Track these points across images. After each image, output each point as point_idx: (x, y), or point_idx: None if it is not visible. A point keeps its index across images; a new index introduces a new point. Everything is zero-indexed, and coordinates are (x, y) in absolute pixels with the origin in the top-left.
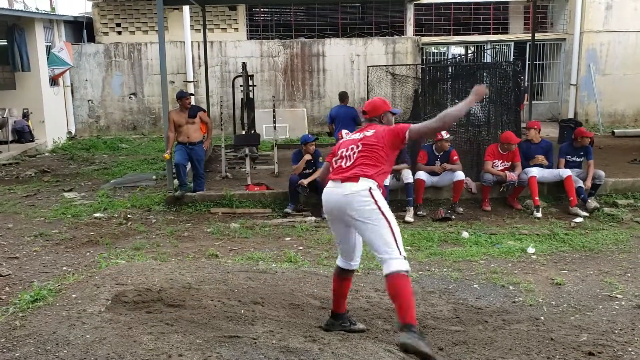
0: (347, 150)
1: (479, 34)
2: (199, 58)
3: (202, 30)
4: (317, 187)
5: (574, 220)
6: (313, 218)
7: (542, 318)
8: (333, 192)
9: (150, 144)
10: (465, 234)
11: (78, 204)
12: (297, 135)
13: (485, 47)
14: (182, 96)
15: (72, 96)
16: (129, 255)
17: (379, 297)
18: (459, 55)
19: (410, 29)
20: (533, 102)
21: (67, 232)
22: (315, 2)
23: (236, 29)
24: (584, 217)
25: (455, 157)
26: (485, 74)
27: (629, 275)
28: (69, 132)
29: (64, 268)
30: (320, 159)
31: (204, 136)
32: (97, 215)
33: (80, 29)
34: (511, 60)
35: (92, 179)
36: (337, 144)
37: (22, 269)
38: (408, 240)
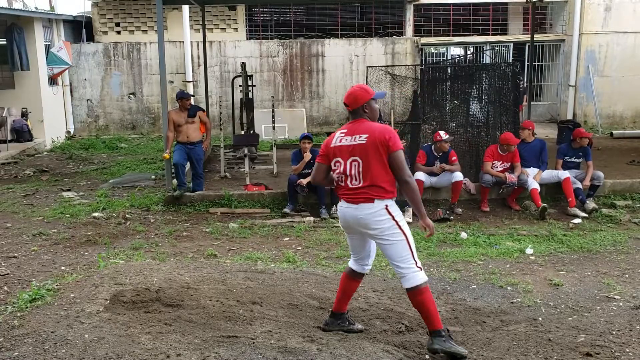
0: (350, 169)
1: (478, 34)
2: (198, 58)
3: (201, 30)
4: (315, 187)
5: (572, 221)
6: (312, 218)
7: (540, 319)
8: (349, 212)
9: (149, 144)
10: (463, 235)
11: (77, 204)
12: (296, 136)
13: (485, 48)
14: (182, 97)
15: (71, 95)
16: (127, 255)
17: (377, 298)
18: (458, 56)
19: (409, 29)
20: (532, 103)
21: (66, 231)
22: (314, 2)
23: (235, 29)
24: (583, 217)
25: (454, 158)
26: (484, 75)
27: (627, 276)
28: (68, 132)
29: (63, 267)
30: None
31: (203, 136)
32: (95, 214)
33: (80, 29)
34: (510, 61)
35: (90, 178)
36: (330, 148)
37: (20, 268)
38: None
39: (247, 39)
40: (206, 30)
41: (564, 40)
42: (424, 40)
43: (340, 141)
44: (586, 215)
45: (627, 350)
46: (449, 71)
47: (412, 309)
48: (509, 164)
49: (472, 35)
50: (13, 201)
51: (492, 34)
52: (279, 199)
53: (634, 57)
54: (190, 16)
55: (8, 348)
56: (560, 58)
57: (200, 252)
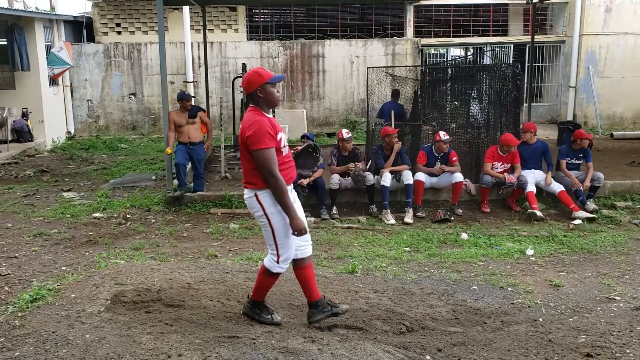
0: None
1: (479, 35)
2: (199, 58)
3: (202, 31)
4: (316, 188)
5: (572, 222)
6: (312, 219)
7: (541, 319)
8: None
9: (149, 144)
10: (464, 236)
11: (77, 204)
12: (297, 136)
13: (485, 48)
14: (183, 98)
15: (72, 96)
16: (128, 255)
17: (378, 299)
18: (459, 56)
19: (410, 30)
20: (532, 104)
21: (66, 231)
22: (315, 3)
23: (236, 30)
24: (591, 212)
25: (455, 159)
26: (484, 76)
27: (627, 277)
28: (68, 132)
29: (63, 268)
30: (321, 160)
31: (204, 136)
32: (96, 215)
33: (80, 29)
34: (510, 62)
35: (91, 178)
36: None
37: (21, 268)
38: (407, 241)
39: (247, 39)
40: (207, 30)
41: (564, 41)
42: (425, 41)
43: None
44: (591, 214)
45: (628, 351)
46: (450, 72)
47: (413, 310)
48: (509, 165)
49: (473, 36)
50: (14, 201)
51: (493, 35)
52: None
53: (634, 58)
54: (190, 17)
55: (9, 348)
56: (561, 59)
57: (201, 252)
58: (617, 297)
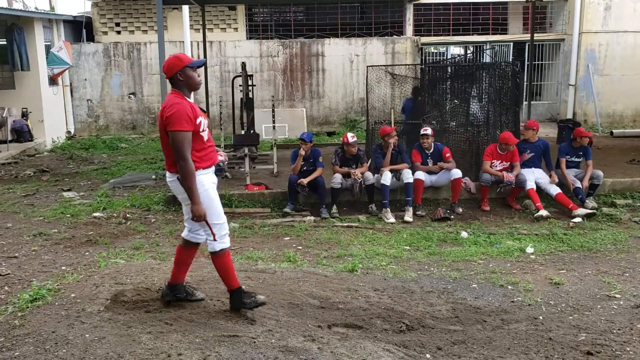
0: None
1: (478, 34)
2: (199, 58)
3: (201, 30)
4: (316, 187)
5: (572, 220)
6: (312, 218)
7: (541, 318)
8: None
9: (149, 144)
10: (464, 234)
11: (77, 204)
12: (297, 135)
13: (485, 47)
14: None
15: (71, 96)
16: (128, 254)
17: (378, 297)
18: (458, 55)
19: (409, 29)
20: (532, 102)
21: (66, 231)
22: (314, 2)
23: (235, 29)
24: (590, 214)
25: (448, 155)
26: (484, 74)
27: (628, 275)
28: (68, 132)
29: (63, 267)
30: (320, 159)
31: None
32: (96, 214)
33: (80, 29)
34: (510, 60)
35: (91, 178)
36: None
37: (21, 268)
38: (407, 240)
39: (247, 38)
40: (206, 30)
41: (563, 39)
42: (424, 39)
43: None
44: (590, 210)
45: (628, 349)
46: (449, 71)
47: (413, 308)
48: (508, 163)
49: (472, 34)
50: (13, 201)
51: (492, 34)
52: (279, 199)
53: (634, 56)
54: (190, 16)
55: (9, 348)
56: (560, 57)
57: (201, 251)
58: (617, 295)
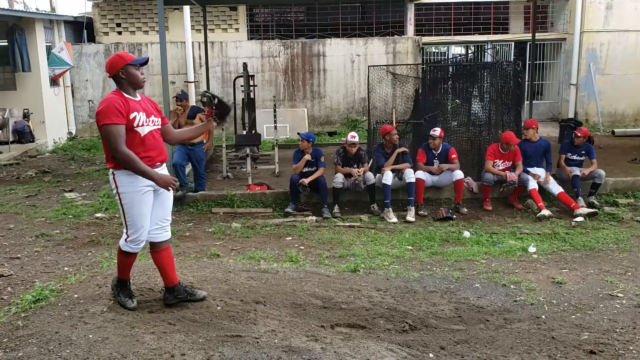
0: None
1: (480, 33)
2: (200, 58)
3: (202, 31)
4: (318, 186)
5: (574, 220)
6: (314, 217)
7: (543, 317)
8: None
9: None
10: (466, 234)
11: (79, 204)
12: (298, 135)
13: (486, 47)
14: (182, 98)
15: (73, 96)
16: None
17: (381, 297)
18: (460, 55)
19: (410, 28)
20: (533, 101)
21: (69, 232)
22: (315, 2)
23: (237, 29)
24: (592, 213)
25: (454, 156)
26: (485, 74)
27: (630, 274)
28: (70, 133)
29: (66, 268)
30: (322, 159)
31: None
32: (98, 215)
33: (81, 29)
34: (511, 60)
35: (93, 179)
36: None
37: (23, 269)
38: (409, 239)
39: (248, 39)
40: (207, 30)
41: (565, 38)
42: (425, 39)
43: None
44: (592, 209)
45: (631, 347)
46: (451, 70)
47: (416, 308)
48: (510, 162)
49: (473, 34)
50: (15, 202)
51: (493, 33)
52: (281, 199)
53: (635, 55)
54: (191, 17)
55: (13, 348)
56: (562, 57)
57: (203, 252)
58: (619, 294)
